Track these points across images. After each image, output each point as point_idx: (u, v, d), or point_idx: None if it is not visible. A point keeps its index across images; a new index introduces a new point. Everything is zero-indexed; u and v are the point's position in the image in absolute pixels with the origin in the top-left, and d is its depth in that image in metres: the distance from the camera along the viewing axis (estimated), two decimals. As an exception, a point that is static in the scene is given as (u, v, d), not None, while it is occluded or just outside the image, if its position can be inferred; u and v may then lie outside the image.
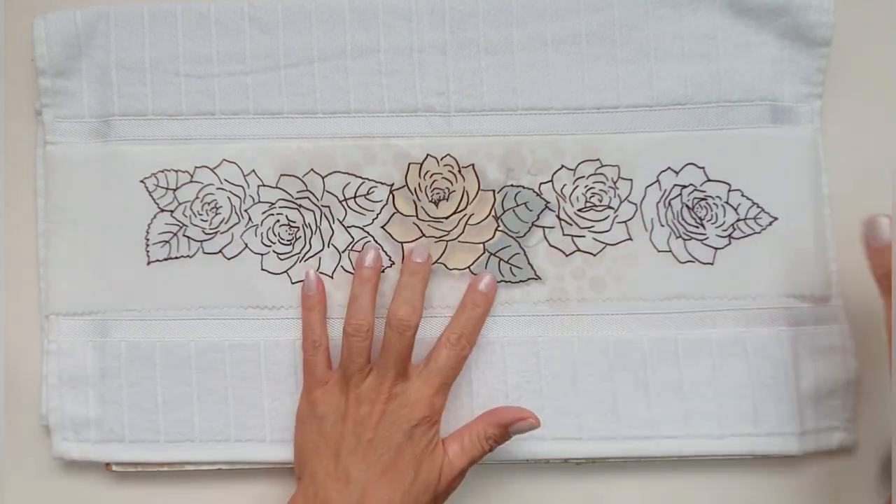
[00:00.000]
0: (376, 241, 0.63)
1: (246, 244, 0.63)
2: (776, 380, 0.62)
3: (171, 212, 0.63)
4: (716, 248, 0.62)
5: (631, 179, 0.62)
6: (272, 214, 0.63)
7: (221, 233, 0.63)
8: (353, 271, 0.62)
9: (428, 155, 0.63)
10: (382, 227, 0.63)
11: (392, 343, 0.58)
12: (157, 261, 0.63)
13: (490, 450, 0.59)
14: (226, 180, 0.63)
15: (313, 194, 0.63)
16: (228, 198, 0.63)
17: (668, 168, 0.62)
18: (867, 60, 0.65)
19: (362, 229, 0.63)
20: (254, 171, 0.63)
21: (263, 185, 0.63)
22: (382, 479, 0.56)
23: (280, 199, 0.63)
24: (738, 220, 0.62)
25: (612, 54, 0.63)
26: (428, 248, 0.62)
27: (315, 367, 0.60)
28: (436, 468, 0.57)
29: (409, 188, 0.63)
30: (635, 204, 0.62)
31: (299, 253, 0.63)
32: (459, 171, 0.63)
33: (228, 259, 0.63)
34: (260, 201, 0.63)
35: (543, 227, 0.63)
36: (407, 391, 0.58)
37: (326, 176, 0.63)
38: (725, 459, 0.62)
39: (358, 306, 0.60)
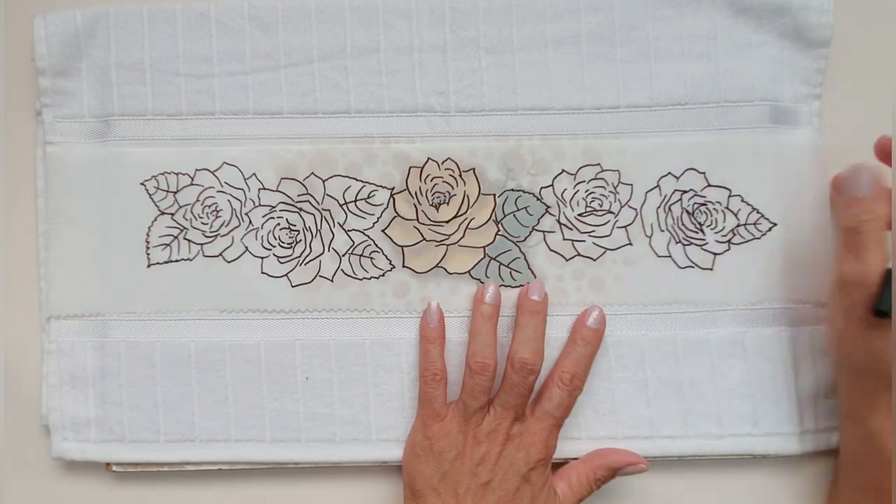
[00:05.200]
0: (376, 245, 0.63)
1: (246, 247, 0.63)
2: (775, 380, 0.62)
3: (172, 214, 0.63)
4: (715, 254, 0.62)
5: (631, 184, 0.62)
6: (272, 218, 0.63)
7: (222, 236, 0.63)
8: (352, 274, 0.63)
9: (429, 159, 0.63)
10: (383, 230, 0.63)
11: (515, 385, 0.58)
12: (158, 263, 0.63)
13: (596, 489, 0.60)
14: (226, 183, 0.63)
15: (314, 198, 0.63)
16: (229, 201, 0.63)
17: (669, 173, 0.62)
18: (867, 61, 0.65)
19: (363, 233, 0.63)
20: (254, 174, 0.63)
21: (264, 189, 0.63)
22: None
23: (280, 203, 0.63)
24: (738, 226, 0.62)
25: (612, 54, 0.63)
26: (543, 284, 0.62)
27: (434, 401, 0.60)
28: None
29: (409, 192, 0.63)
30: (635, 209, 0.62)
31: (299, 256, 0.63)
32: (460, 175, 0.63)
33: (229, 262, 0.63)
34: (260, 204, 0.63)
35: (543, 232, 0.63)
36: (523, 433, 0.58)
37: (327, 179, 0.63)
38: (724, 459, 0.62)
39: (482, 343, 0.59)
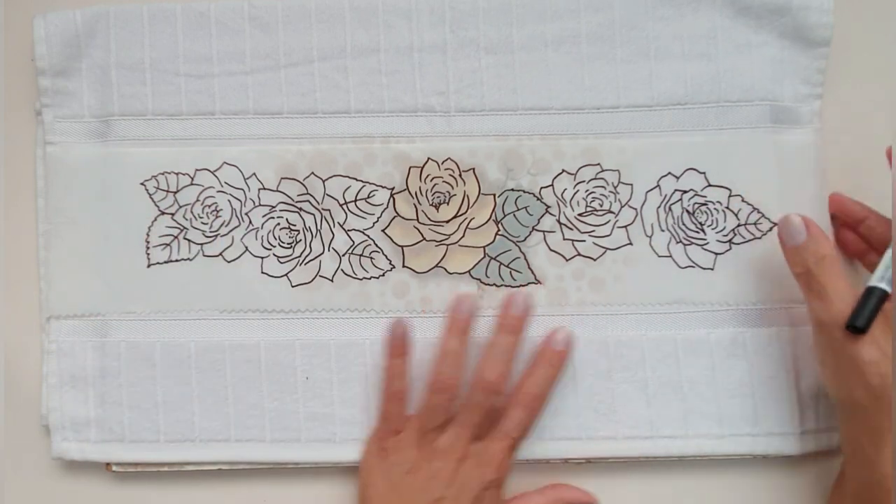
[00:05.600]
0: (376, 245, 0.63)
1: (246, 247, 0.63)
2: (776, 380, 0.62)
3: (172, 214, 0.63)
4: (716, 254, 0.62)
5: (631, 184, 0.62)
6: (272, 217, 0.63)
7: (222, 236, 0.63)
8: (352, 274, 0.63)
9: (429, 159, 0.63)
10: (383, 230, 0.63)
11: (478, 405, 0.58)
12: (158, 263, 0.63)
13: None
14: (226, 183, 0.63)
15: (314, 197, 0.63)
16: (229, 201, 0.63)
17: (669, 173, 0.62)
18: (867, 61, 0.65)
19: (363, 232, 0.63)
20: (254, 174, 0.63)
21: (264, 189, 0.63)
22: None
23: (280, 203, 0.63)
24: (739, 226, 0.62)
25: (612, 54, 0.63)
26: (529, 299, 0.61)
27: (391, 418, 0.60)
28: None
29: (409, 192, 0.63)
30: (636, 209, 0.62)
31: (299, 256, 0.63)
32: (460, 175, 0.63)
33: (229, 262, 0.63)
34: (260, 204, 0.63)
35: (544, 232, 0.63)
36: (480, 453, 0.58)
37: (327, 179, 0.63)
38: (725, 459, 0.62)
39: (448, 363, 0.59)
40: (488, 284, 0.63)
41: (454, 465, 0.57)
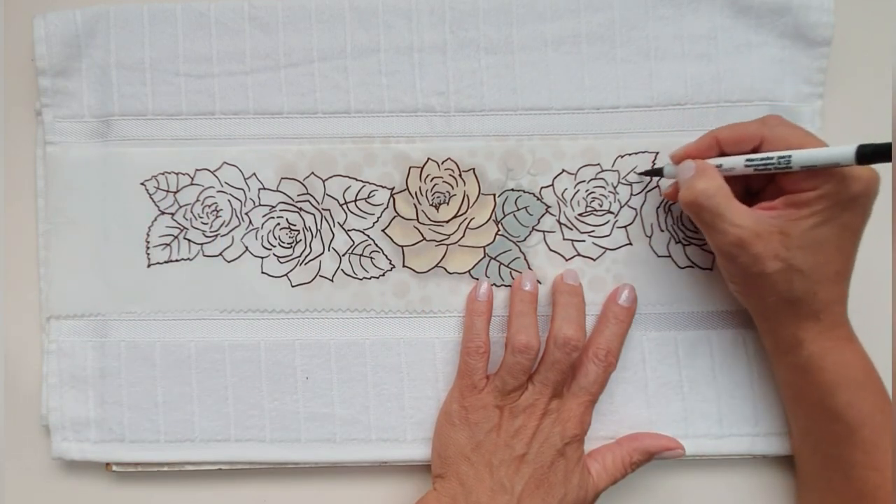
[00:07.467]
0: (376, 245, 0.63)
1: (246, 247, 0.63)
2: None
3: (172, 214, 0.63)
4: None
5: (631, 184, 0.62)
6: (272, 217, 0.63)
7: (222, 236, 0.63)
8: (352, 274, 0.63)
9: (429, 159, 0.63)
10: (383, 230, 0.63)
11: (557, 362, 0.58)
12: (158, 263, 0.63)
13: (631, 472, 0.60)
14: (226, 183, 0.63)
15: (314, 197, 0.63)
16: (229, 201, 0.63)
17: (669, 173, 0.62)
18: (867, 60, 0.65)
19: (363, 232, 0.63)
20: (254, 174, 0.63)
21: (264, 189, 0.63)
22: (536, 494, 0.57)
23: (280, 203, 0.63)
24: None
25: (612, 54, 0.63)
26: (576, 273, 0.62)
27: (474, 373, 0.60)
28: (584, 485, 0.58)
29: (409, 192, 0.63)
30: (635, 209, 0.62)
31: (299, 256, 0.63)
32: (460, 175, 0.63)
33: (229, 262, 0.63)
34: (260, 204, 0.63)
35: (543, 232, 0.63)
36: (560, 409, 0.59)
37: (327, 179, 0.63)
38: (725, 459, 0.62)
39: (526, 323, 0.59)
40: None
41: (536, 421, 0.58)
